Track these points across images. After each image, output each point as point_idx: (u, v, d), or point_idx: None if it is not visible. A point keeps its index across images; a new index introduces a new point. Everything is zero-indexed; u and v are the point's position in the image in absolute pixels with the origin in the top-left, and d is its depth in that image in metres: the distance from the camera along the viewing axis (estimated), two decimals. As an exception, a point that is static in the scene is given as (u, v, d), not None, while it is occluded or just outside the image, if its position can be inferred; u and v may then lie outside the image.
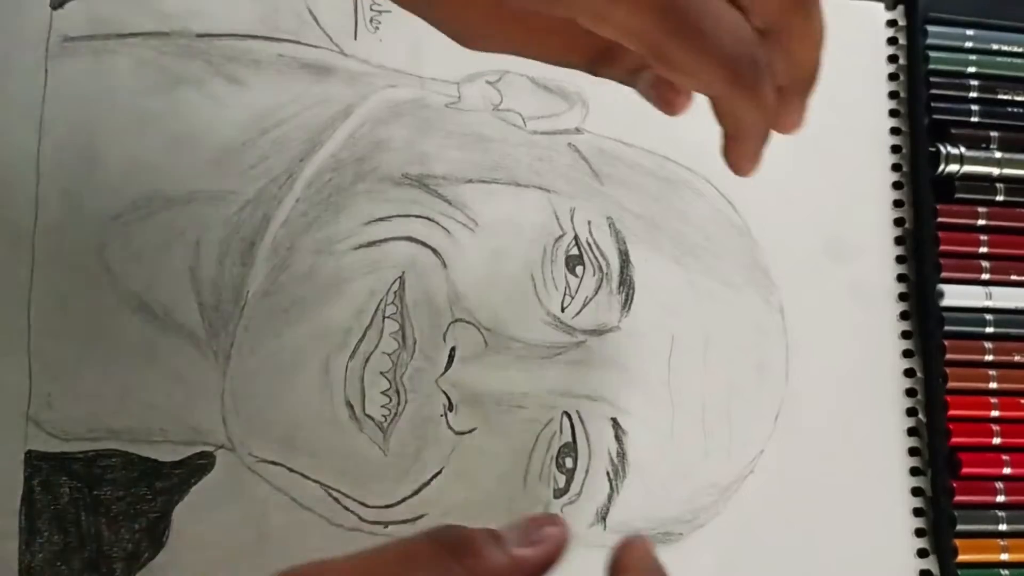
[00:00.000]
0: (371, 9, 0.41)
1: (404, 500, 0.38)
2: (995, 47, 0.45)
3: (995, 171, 0.44)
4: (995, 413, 0.42)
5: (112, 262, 0.37)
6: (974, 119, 0.44)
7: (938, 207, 0.43)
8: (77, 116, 0.38)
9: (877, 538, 0.41)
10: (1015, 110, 0.45)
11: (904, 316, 0.43)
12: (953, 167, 0.43)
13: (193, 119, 0.39)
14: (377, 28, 0.41)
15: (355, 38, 0.41)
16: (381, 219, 0.39)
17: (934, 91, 0.44)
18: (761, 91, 0.30)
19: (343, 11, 0.41)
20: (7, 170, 0.37)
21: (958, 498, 0.41)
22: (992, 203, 0.44)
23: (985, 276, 0.43)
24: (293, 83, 0.40)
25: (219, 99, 0.39)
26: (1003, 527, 0.41)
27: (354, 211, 0.39)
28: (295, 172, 0.39)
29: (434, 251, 0.39)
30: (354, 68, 0.40)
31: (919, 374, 0.43)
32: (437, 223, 0.40)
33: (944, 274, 0.43)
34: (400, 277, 0.39)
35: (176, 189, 0.38)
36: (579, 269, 0.40)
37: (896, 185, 0.44)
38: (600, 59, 0.31)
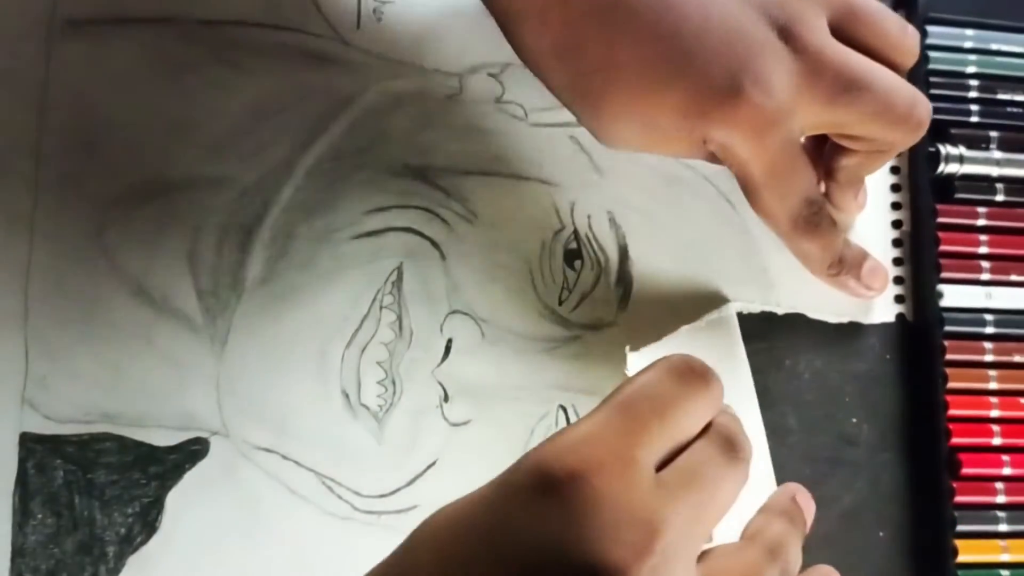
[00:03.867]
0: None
1: (398, 490, 0.38)
2: (995, 47, 0.45)
3: (995, 171, 0.44)
4: (995, 413, 0.41)
5: (110, 246, 0.37)
6: (974, 119, 0.44)
7: (937, 207, 0.43)
8: (78, 99, 0.38)
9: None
10: (1015, 110, 0.44)
11: (903, 317, 0.43)
12: (953, 167, 0.43)
13: (194, 105, 0.39)
14: (380, 19, 0.41)
15: (358, 28, 0.41)
16: (380, 209, 0.39)
17: (933, 91, 0.44)
18: (822, 237, 0.39)
19: (346, 1, 0.41)
20: (7, 152, 0.37)
21: (958, 498, 0.40)
22: (992, 203, 0.44)
23: (985, 276, 0.43)
24: (295, 71, 0.40)
25: (220, 85, 0.39)
26: (1003, 527, 0.40)
27: (354, 200, 0.39)
28: (295, 160, 0.39)
29: (433, 242, 0.40)
30: (356, 58, 0.41)
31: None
32: (436, 214, 0.40)
33: (944, 274, 0.43)
34: (398, 267, 0.39)
35: (176, 174, 0.38)
36: (577, 263, 0.40)
37: (894, 188, 0.44)
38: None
